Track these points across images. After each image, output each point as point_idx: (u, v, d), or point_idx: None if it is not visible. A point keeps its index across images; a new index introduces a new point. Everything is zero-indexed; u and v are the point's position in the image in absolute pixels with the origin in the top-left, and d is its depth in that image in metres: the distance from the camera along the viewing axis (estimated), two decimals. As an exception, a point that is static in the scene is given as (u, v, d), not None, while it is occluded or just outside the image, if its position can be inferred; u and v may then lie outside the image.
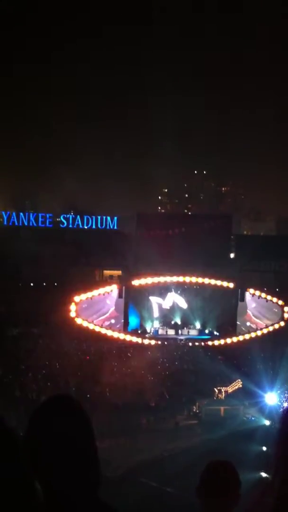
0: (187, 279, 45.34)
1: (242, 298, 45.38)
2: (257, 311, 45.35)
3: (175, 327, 45.78)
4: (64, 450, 2.32)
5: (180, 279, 45.42)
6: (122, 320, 44.46)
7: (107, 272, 47.92)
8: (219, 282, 44.99)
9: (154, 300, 46.12)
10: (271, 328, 44.05)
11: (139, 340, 43.56)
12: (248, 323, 45.16)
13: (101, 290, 44.66)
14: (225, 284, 44.91)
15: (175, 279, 45.42)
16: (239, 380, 37.60)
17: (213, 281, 45.03)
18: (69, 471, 2.32)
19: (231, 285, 44.91)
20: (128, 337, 43.42)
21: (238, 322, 45.13)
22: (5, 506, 2.02)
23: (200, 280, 45.17)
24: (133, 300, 45.47)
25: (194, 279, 45.29)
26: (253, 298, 45.33)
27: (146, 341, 43.62)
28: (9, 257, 41.81)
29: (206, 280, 45.09)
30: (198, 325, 46.12)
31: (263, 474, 20.45)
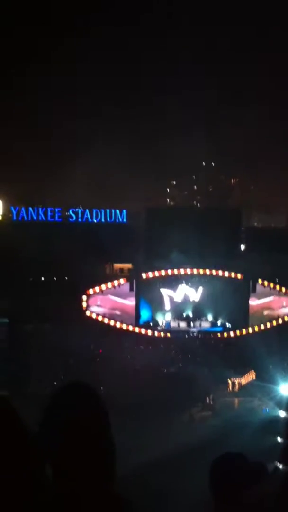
0: (197, 271, 45.25)
1: (254, 289, 45.20)
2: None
3: (187, 319, 45.63)
4: (79, 436, 2.25)
5: (190, 271, 45.32)
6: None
7: (117, 266, 47.77)
8: (229, 274, 44.87)
9: (165, 292, 45.98)
10: (286, 318, 43.99)
11: (150, 333, 43.52)
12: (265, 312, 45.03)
13: (112, 283, 44.66)
14: (234, 275, 44.78)
15: (185, 271, 45.32)
16: (253, 371, 37.41)
17: (223, 273, 44.93)
18: (83, 458, 2.23)
19: (240, 276, 44.77)
20: (140, 330, 43.40)
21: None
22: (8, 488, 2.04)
23: (210, 272, 45.07)
24: (144, 293, 45.37)
25: (204, 271, 45.20)
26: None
27: (157, 334, 43.55)
28: (19, 252, 41.72)
29: (216, 272, 45.00)
30: (210, 317, 45.91)
31: (280, 466, 20.24)
